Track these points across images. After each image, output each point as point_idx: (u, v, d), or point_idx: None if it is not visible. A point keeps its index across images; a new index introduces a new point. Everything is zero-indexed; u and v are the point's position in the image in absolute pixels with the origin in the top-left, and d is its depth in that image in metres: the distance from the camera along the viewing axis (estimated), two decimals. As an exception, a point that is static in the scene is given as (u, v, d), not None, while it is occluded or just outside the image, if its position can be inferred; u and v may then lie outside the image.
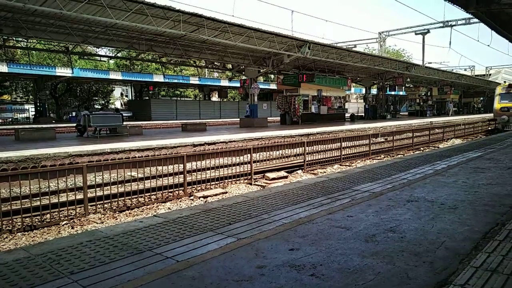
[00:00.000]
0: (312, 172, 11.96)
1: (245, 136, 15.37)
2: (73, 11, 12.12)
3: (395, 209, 3.99)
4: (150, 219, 3.85)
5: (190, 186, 9.07)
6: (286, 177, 10.86)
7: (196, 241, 3.10)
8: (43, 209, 6.85)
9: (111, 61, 41.71)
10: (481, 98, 56.12)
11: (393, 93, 42.91)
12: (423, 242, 2.99)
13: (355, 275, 2.41)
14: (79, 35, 16.62)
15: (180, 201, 8.48)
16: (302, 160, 12.14)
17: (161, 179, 8.79)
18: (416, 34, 45.78)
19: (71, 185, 7.44)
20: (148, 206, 8.03)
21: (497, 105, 23.62)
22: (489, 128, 27.00)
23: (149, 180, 8.62)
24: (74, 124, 19.14)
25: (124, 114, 24.03)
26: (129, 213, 7.61)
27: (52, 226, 6.76)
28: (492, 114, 26.23)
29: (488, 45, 34.09)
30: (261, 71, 24.33)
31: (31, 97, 42.51)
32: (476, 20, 25.79)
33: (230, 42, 17.13)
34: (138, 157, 8.92)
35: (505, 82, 25.80)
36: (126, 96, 55.63)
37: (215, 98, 52.30)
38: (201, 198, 8.55)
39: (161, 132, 21.12)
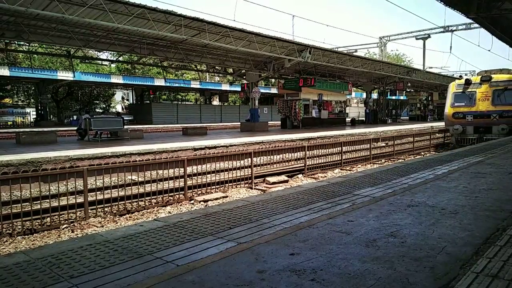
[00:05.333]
0: (312, 176, 11.94)
1: (246, 140, 15.37)
2: (75, 15, 12.18)
3: (395, 214, 3.98)
4: (150, 223, 3.84)
5: (191, 190, 9.07)
6: (286, 181, 10.84)
7: (196, 245, 3.10)
8: (43, 212, 6.85)
9: (113, 65, 41.85)
10: None
11: (393, 97, 42.99)
12: (424, 247, 2.98)
13: (356, 280, 2.40)
14: (81, 39, 16.68)
15: (181, 205, 8.48)
16: (303, 165, 12.14)
17: (161, 183, 8.79)
18: (416, 39, 45.99)
19: (71, 188, 7.44)
20: (149, 210, 8.02)
21: (448, 109, 16.74)
22: (444, 142, 20.08)
23: (149, 184, 8.62)
24: (75, 128, 19.18)
25: (125, 118, 24.07)
26: (130, 217, 7.61)
27: (52, 230, 6.75)
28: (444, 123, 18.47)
29: (489, 50, 34.18)
30: (262, 75, 24.38)
31: (32, 100, 42.64)
32: (476, 25, 25.82)
33: (231, 46, 17.18)
34: (139, 161, 8.93)
35: (460, 76, 18.42)
36: (127, 100, 55.72)
37: (216, 102, 52.40)
38: (201, 202, 8.55)
39: (162, 136, 21.13)
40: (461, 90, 16.46)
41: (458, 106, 16.37)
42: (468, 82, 16.33)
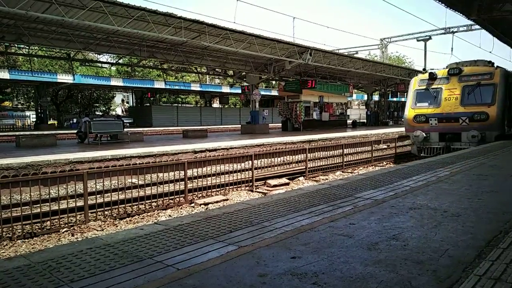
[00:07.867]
0: (314, 179, 11.92)
1: (246, 143, 15.36)
2: (74, 18, 12.20)
3: (397, 216, 3.95)
4: (150, 227, 3.82)
5: (191, 193, 9.05)
6: (287, 184, 10.83)
7: (197, 249, 3.07)
8: (43, 216, 6.83)
9: (113, 68, 41.90)
10: None
11: (395, 99, 42.95)
12: (426, 250, 2.96)
13: (358, 284, 2.38)
14: (81, 42, 16.71)
15: (181, 208, 8.45)
16: (304, 167, 12.11)
17: (162, 186, 8.78)
18: (417, 40, 45.91)
19: (71, 192, 7.42)
20: (149, 213, 8.00)
21: (409, 111, 13.37)
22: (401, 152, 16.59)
23: (150, 187, 8.61)
24: (75, 131, 19.19)
25: (125, 121, 24.09)
26: (130, 220, 7.59)
27: (52, 233, 6.73)
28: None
29: (490, 52, 34.18)
30: (263, 77, 24.41)
31: (32, 103, 42.68)
32: (477, 26, 25.88)
33: (231, 48, 17.20)
34: (139, 164, 8.92)
35: (424, 69, 15.26)
36: (127, 102, 55.80)
37: (216, 104, 52.44)
38: (202, 205, 8.52)
39: (162, 138, 21.13)
40: (424, 87, 13.10)
41: (420, 107, 13.03)
42: (432, 77, 13.01)
